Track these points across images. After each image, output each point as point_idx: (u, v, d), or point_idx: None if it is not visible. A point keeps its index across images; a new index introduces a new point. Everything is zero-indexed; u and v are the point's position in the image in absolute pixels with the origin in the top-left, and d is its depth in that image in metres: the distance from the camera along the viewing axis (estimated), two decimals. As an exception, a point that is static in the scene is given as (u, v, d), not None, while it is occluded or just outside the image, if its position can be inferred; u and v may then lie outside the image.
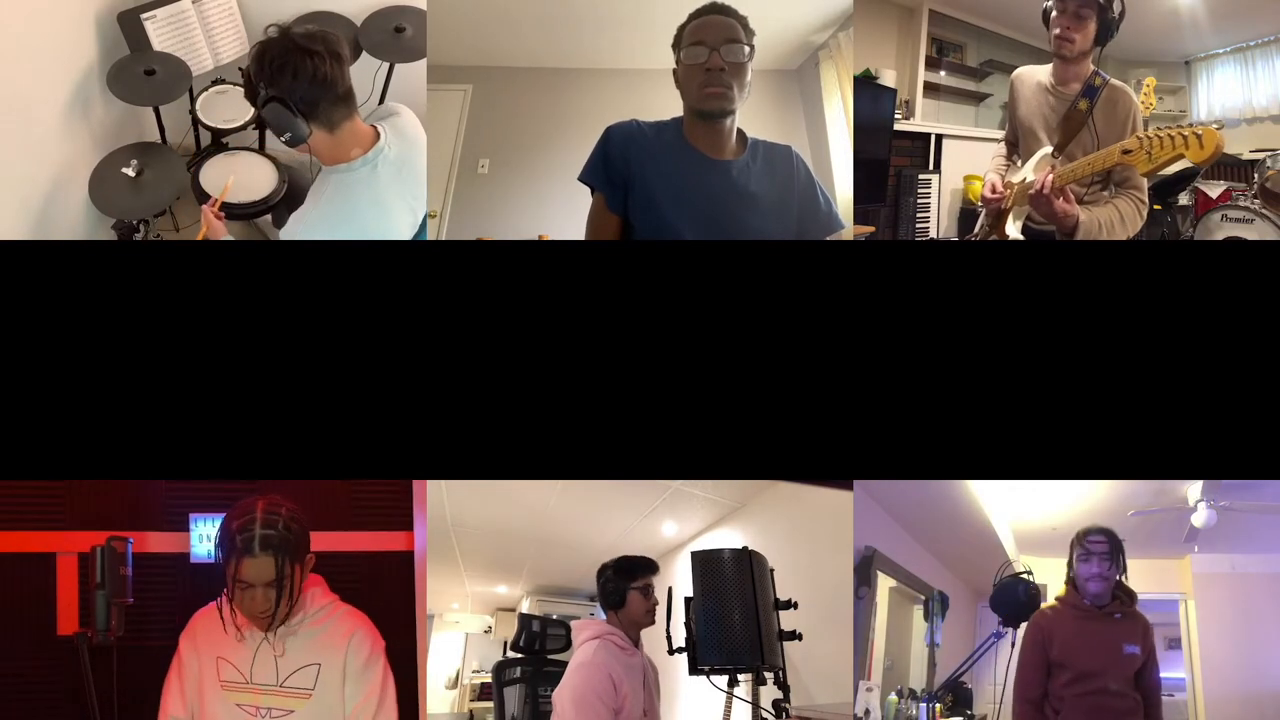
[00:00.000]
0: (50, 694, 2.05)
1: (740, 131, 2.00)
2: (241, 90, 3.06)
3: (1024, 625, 2.36)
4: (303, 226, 2.18)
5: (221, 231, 2.52)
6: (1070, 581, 2.29)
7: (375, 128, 2.24)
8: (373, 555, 2.24)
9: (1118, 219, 2.35)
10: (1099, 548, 2.23)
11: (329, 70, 2.08)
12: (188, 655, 1.92)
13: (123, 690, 1.93)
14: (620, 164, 1.96)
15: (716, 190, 1.95)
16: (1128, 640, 2.23)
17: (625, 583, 2.10)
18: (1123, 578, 2.27)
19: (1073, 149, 2.41)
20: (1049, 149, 2.44)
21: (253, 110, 3.00)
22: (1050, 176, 2.31)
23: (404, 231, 2.28)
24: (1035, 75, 2.55)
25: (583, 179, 2.01)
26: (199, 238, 2.55)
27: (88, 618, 1.90)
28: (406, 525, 2.21)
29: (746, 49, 1.92)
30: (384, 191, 2.22)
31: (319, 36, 2.11)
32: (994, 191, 2.58)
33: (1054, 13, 2.41)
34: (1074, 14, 2.37)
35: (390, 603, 2.13)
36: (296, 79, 2.06)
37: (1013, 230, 2.49)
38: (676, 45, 1.96)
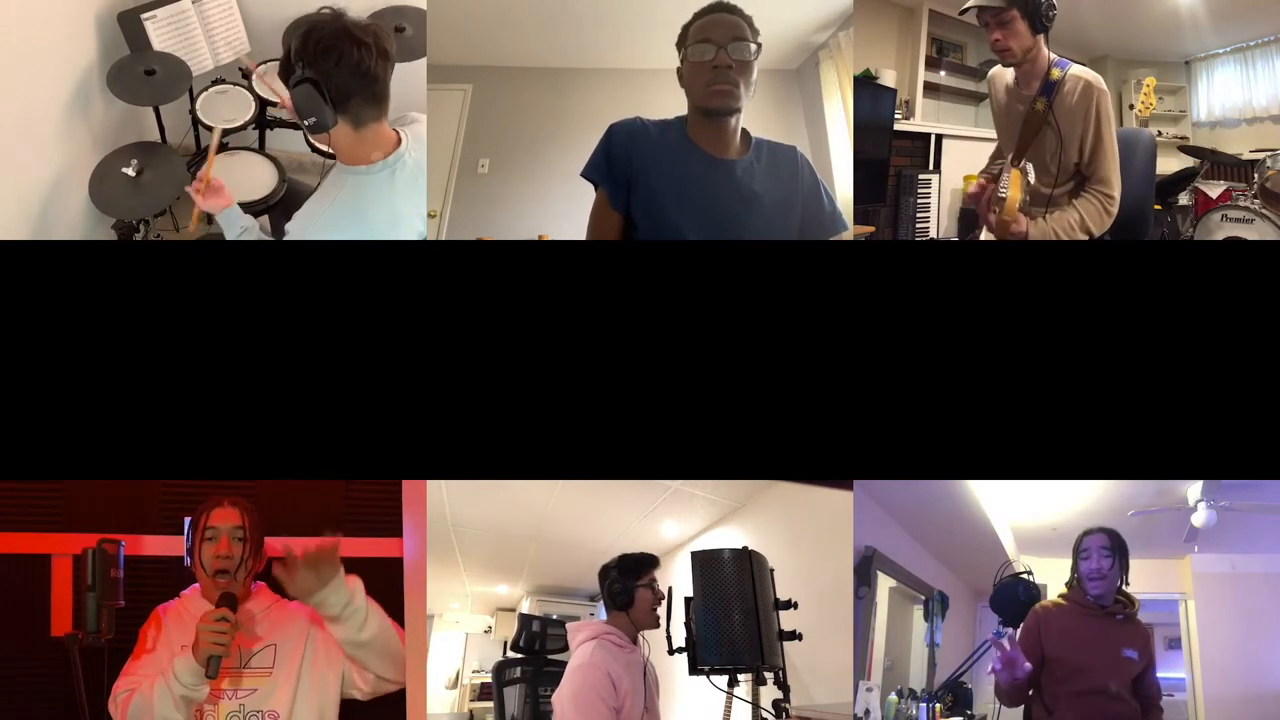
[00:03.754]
0: (43, 694, 2.06)
1: (745, 131, 2.00)
2: (242, 90, 3.10)
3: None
4: (314, 224, 2.15)
5: (225, 194, 2.44)
6: (1073, 582, 2.27)
7: (397, 132, 2.20)
8: (367, 561, 2.24)
9: (1076, 221, 2.30)
10: (1099, 545, 2.22)
11: (373, 65, 2.02)
12: (152, 643, 1.97)
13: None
14: (623, 161, 1.96)
15: (720, 190, 1.95)
16: (1127, 644, 2.20)
17: (632, 581, 2.10)
18: (1123, 584, 2.25)
19: (1039, 151, 2.36)
20: (1007, 159, 2.39)
21: (253, 110, 3.04)
22: (983, 191, 2.31)
23: (412, 238, 2.27)
24: (1005, 76, 2.48)
25: (585, 175, 2.01)
26: (197, 186, 2.45)
27: (80, 619, 1.91)
28: (399, 531, 2.22)
29: (753, 47, 1.92)
30: (399, 198, 2.19)
31: (372, 30, 2.05)
32: (980, 188, 2.55)
33: (981, 26, 2.32)
34: (996, 22, 2.28)
35: (383, 608, 2.13)
36: (339, 66, 2.00)
37: (988, 236, 2.47)
38: (681, 43, 1.95)
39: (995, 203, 2.29)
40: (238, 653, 1.95)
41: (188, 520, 2.06)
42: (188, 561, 2.02)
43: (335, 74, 2.00)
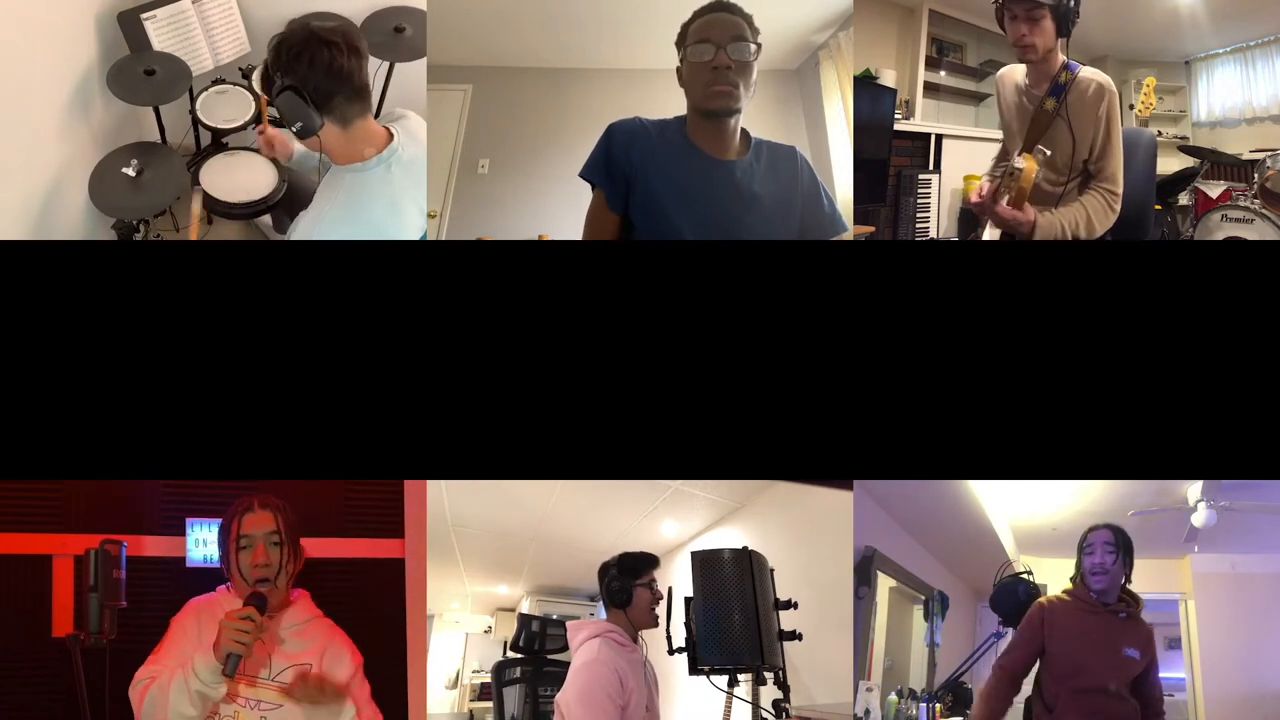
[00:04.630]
0: (44, 695, 2.06)
1: (744, 131, 1.99)
2: (242, 90, 3.10)
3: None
4: (318, 226, 2.17)
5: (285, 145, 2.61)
6: (1077, 578, 2.27)
7: (388, 129, 2.24)
8: (367, 562, 2.24)
9: (1084, 218, 2.30)
10: (1103, 541, 2.22)
11: (345, 62, 2.09)
12: (180, 634, 1.92)
13: (114, 693, 1.93)
14: (623, 162, 1.95)
15: (719, 190, 1.94)
16: (1129, 643, 2.20)
17: (631, 580, 2.10)
18: (1127, 582, 2.25)
19: (1048, 150, 2.35)
20: (1014, 156, 2.39)
21: (252, 111, 3.04)
22: (989, 187, 2.29)
23: (414, 233, 2.28)
24: (1014, 76, 2.47)
25: (584, 175, 2.00)
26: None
27: (82, 620, 1.91)
28: (401, 532, 2.22)
29: (753, 47, 1.90)
30: (398, 192, 2.22)
31: (338, 30, 2.11)
32: (979, 196, 2.55)
33: (1007, 18, 2.31)
34: (1026, 17, 2.27)
35: (383, 609, 2.13)
36: (312, 68, 2.06)
37: (990, 235, 2.47)
38: (680, 42, 1.94)
39: (1010, 176, 2.28)
40: (268, 661, 1.91)
41: (196, 522, 2.05)
42: (224, 569, 1.97)
43: (311, 76, 2.07)
